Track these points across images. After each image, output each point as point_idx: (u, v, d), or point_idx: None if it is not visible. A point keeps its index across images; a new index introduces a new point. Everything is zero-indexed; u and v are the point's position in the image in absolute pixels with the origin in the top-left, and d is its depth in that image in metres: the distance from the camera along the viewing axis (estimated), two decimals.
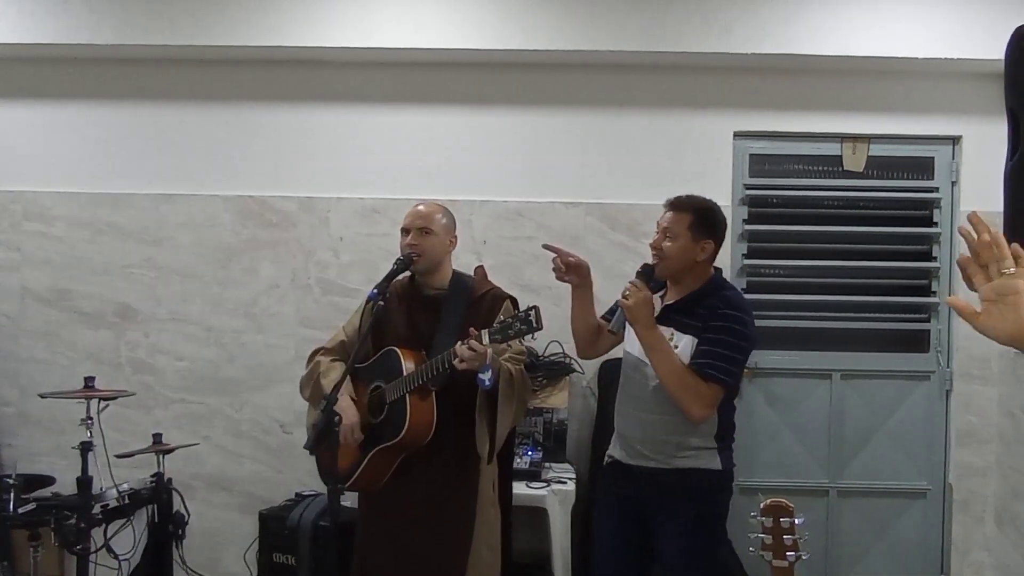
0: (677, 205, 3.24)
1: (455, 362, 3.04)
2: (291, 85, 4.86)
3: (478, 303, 3.38)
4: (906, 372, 4.83)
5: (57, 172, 4.94)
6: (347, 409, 3.26)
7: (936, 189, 4.79)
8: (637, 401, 3.24)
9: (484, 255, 4.73)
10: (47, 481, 4.43)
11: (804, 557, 2.10)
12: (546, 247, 3.33)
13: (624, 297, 3.09)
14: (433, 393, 3.21)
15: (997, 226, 1.77)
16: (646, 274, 3.17)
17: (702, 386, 3.05)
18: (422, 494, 3.29)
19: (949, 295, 4.72)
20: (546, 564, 4.20)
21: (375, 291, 3.20)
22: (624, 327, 3.17)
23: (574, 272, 3.32)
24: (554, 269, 3.33)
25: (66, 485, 4.27)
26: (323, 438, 3.09)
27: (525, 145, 4.82)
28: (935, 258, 4.79)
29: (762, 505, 2.15)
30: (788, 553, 2.10)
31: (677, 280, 3.23)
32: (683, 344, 3.13)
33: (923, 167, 4.83)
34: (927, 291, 4.81)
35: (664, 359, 3.06)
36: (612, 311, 3.36)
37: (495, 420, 3.21)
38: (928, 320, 4.82)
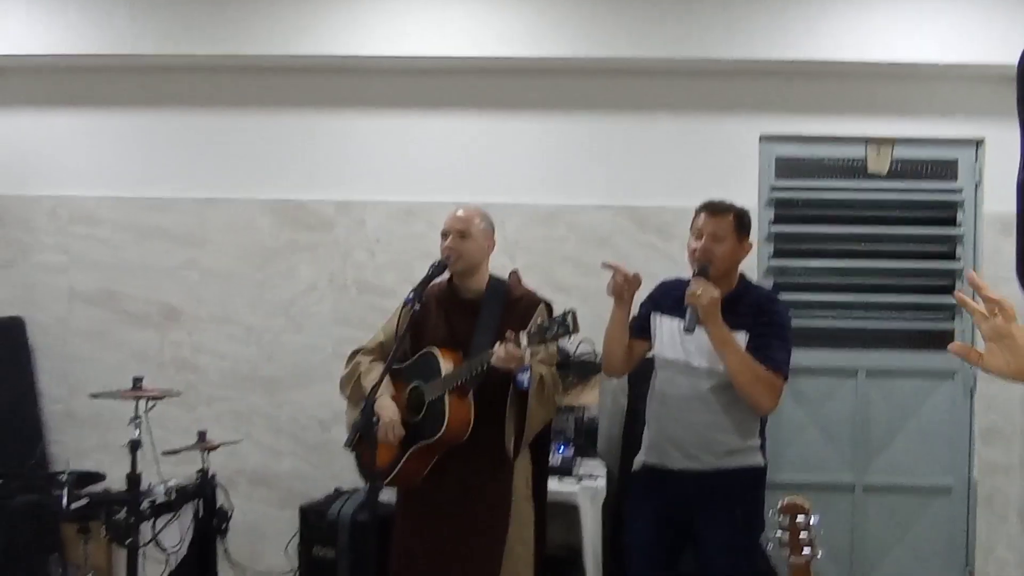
0: (718, 209, 3.36)
1: (492, 360, 3.15)
2: (327, 92, 5.00)
3: (514, 306, 3.48)
4: (930, 370, 4.90)
5: (103, 177, 5.11)
6: (387, 407, 3.37)
7: (960, 191, 4.86)
8: (685, 403, 3.32)
9: (516, 257, 4.85)
10: (97, 478, 4.58)
11: (819, 555, 2.20)
12: (606, 265, 3.36)
13: (694, 294, 3.15)
14: (471, 393, 3.32)
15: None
16: (704, 275, 3.26)
17: (771, 376, 3.18)
18: (458, 490, 3.40)
19: (973, 296, 4.81)
20: (577, 559, 4.30)
21: (411, 295, 3.34)
22: (696, 324, 3.20)
23: (631, 286, 3.34)
24: (613, 283, 3.34)
25: (114, 481, 4.41)
26: (362, 437, 3.23)
27: (556, 149, 4.93)
28: (959, 258, 4.86)
29: (779, 504, 2.25)
30: (804, 550, 2.20)
31: (715, 282, 3.29)
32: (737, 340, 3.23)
33: (947, 169, 4.90)
34: (951, 291, 4.88)
35: (736, 353, 3.16)
36: (640, 326, 3.47)
37: (523, 419, 3.33)
38: (952, 319, 4.89)
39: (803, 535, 2.22)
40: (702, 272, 3.26)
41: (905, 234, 4.89)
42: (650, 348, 3.50)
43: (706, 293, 3.14)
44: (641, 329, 3.51)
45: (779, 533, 2.25)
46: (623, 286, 3.33)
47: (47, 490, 4.42)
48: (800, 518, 2.23)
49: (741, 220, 3.37)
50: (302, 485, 4.93)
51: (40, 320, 5.12)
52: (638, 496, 3.52)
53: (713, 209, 3.37)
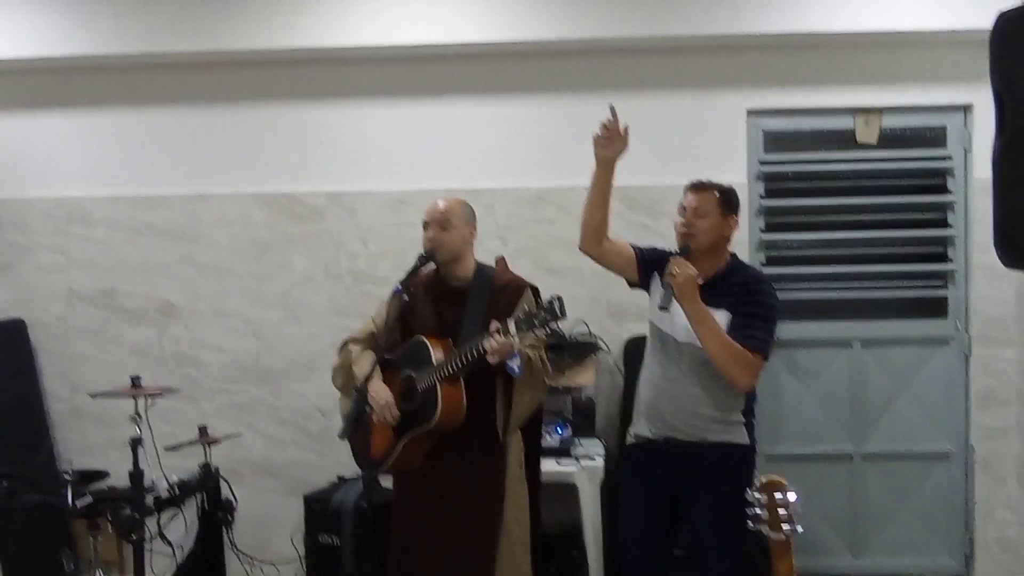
0: (701, 186, 3.44)
1: (487, 356, 3.19)
2: (314, 84, 5.02)
3: (500, 293, 3.51)
4: (925, 338, 4.91)
5: (95, 177, 5.15)
6: (380, 391, 3.41)
7: (949, 157, 4.86)
8: (672, 376, 3.38)
9: (508, 240, 4.88)
10: (102, 475, 4.66)
11: (799, 530, 2.23)
12: (611, 108, 3.39)
13: (671, 274, 3.21)
14: (462, 380, 3.36)
15: None
16: (685, 254, 3.32)
17: (748, 356, 3.22)
18: (453, 474, 3.45)
19: (965, 262, 4.82)
20: (578, 537, 4.36)
21: (399, 286, 3.38)
22: (671, 303, 3.25)
23: (617, 142, 3.39)
24: (603, 129, 3.39)
25: (120, 476, 4.46)
26: (356, 426, 3.27)
27: (543, 132, 4.94)
28: (950, 225, 4.86)
29: (758, 483, 2.29)
30: (784, 526, 2.23)
31: (701, 260, 3.35)
32: (718, 319, 3.27)
33: (936, 136, 4.89)
34: (943, 258, 4.89)
35: (712, 332, 3.21)
36: (643, 254, 3.52)
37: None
38: (945, 286, 4.90)
39: (782, 512, 2.26)
40: (683, 251, 3.31)
41: (896, 203, 4.89)
42: (633, 266, 3.53)
43: (682, 272, 3.19)
44: (641, 251, 3.54)
45: (758, 511, 2.28)
46: (603, 139, 3.38)
47: (53, 489, 4.51)
48: (778, 495, 2.27)
49: (726, 197, 3.42)
50: (305, 474, 4.99)
51: (41, 321, 5.18)
52: (629, 471, 3.59)
53: (697, 186, 3.45)
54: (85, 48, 4.87)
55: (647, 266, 3.52)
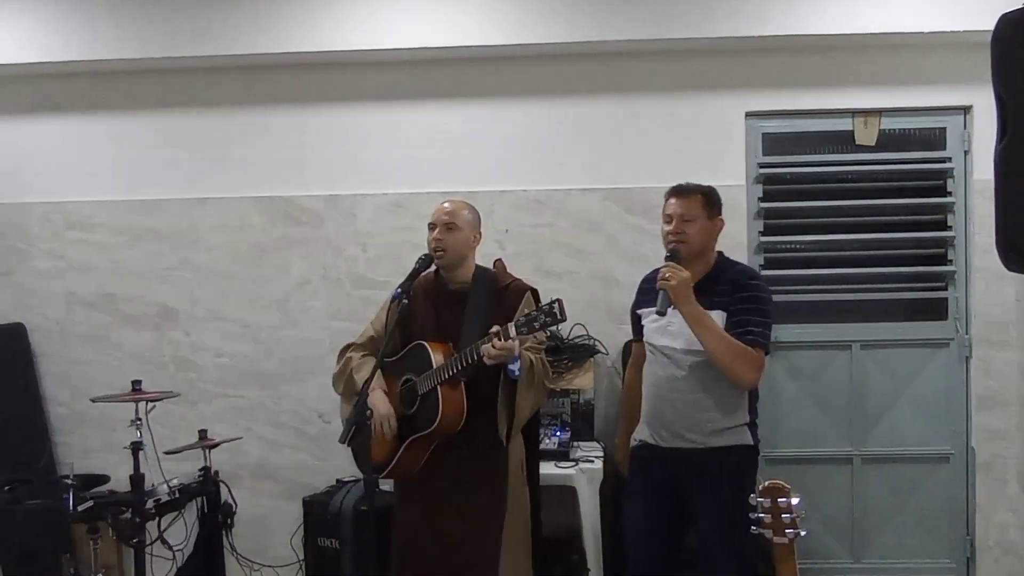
0: (684, 191, 3.47)
1: (485, 360, 3.20)
2: (312, 87, 5.01)
3: (501, 295, 3.53)
4: (925, 340, 4.90)
5: (95, 182, 5.15)
6: (379, 401, 3.43)
7: (949, 159, 4.85)
8: (669, 384, 3.41)
9: (506, 244, 4.87)
10: (102, 480, 4.65)
11: (803, 534, 2.23)
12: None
13: (665, 279, 3.23)
14: (462, 383, 3.36)
15: None
16: (675, 259, 3.34)
17: (750, 352, 3.25)
18: (455, 477, 3.46)
19: (965, 264, 4.82)
20: (577, 540, 4.35)
21: (399, 290, 3.38)
22: (668, 308, 3.29)
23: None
24: None
25: (120, 481, 4.48)
26: (356, 431, 3.27)
27: (541, 135, 4.93)
28: (950, 227, 4.85)
29: (760, 487, 2.29)
30: (787, 531, 2.24)
31: (690, 263, 3.38)
32: (714, 319, 3.30)
33: (935, 138, 4.89)
34: (943, 260, 4.88)
35: (712, 331, 3.24)
36: (637, 328, 3.60)
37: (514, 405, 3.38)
38: (945, 288, 4.88)
39: (785, 516, 2.26)
40: (672, 256, 3.33)
41: (896, 205, 4.88)
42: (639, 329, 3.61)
43: (676, 276, 3.21)
44: (638, 331, 3.62)
45: (762, 515, 2.29)
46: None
47: (54, 494, 4.50)
48: (781, 500, 2.27)
49: (709, 198, 3.46)
50: (304, 477, 4.99)
51: (40, 325, 5.18)
52: (635, 472, 3.62)
53: (680, 191, 3.47)
54: (84, 53, 4.86)
55: (637, 310, 3.64)
